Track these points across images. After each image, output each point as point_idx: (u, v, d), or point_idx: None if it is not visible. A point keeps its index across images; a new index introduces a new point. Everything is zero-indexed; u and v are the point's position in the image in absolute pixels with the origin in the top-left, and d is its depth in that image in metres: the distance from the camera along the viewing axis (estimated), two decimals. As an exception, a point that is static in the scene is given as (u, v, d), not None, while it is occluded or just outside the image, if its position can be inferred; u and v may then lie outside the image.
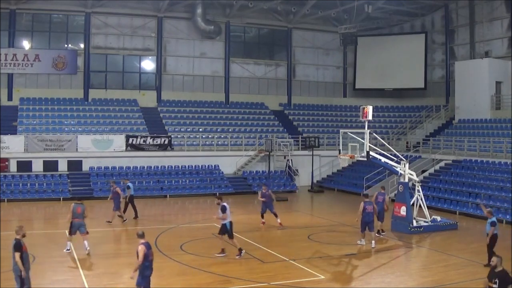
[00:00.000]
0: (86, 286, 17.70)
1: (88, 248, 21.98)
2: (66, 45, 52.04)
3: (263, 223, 28.98)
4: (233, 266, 20.42)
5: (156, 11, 52.36)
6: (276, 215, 28.63)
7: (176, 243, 23.94)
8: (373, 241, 24.01)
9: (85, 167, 43.64)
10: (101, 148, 44.20)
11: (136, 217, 31.37)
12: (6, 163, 41.67)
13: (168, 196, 41.70)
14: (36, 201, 38.31)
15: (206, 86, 55.05)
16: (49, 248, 23.21)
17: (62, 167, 43.07)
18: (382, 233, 26.69)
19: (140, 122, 49.31)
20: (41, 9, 49.98)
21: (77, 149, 43.78)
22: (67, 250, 22.33)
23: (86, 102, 50.63)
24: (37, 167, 42.41)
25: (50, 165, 42.71)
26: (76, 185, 41.34)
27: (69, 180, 41.78)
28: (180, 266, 20.32)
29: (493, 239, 20.66)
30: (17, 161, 42.06)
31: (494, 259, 13.66)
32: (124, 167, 44.03)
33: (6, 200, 37.89)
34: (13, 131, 44.23)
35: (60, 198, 39.25)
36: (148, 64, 54.38)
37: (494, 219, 21.01)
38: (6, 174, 41.19)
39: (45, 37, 51.54)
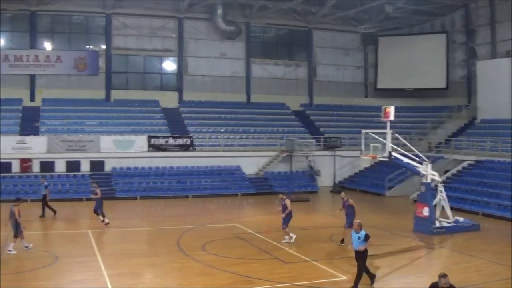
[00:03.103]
0: (109, 286, 17.76)
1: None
2: (87, 46, 52.45)
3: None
4: (254, 266, 20.38)
5: (176, 12, 52.53)
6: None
7: (198, 243, 23.95)
8: None
9: (107, 168, 43.92)
10: (123, 149, 44.43)
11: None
12: (29, 163, 42.07)
13: (189, 196, 41.75)
14: (58, 201, 38.44)
15: (227, 86, 55.11)
16: (70, 248, 23.32)
17: (85, 167, 43.39)
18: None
19: (162, 123, 49.45)
20: (61, 10, 50.45)
21: (99, 150, 44.02)
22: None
23: (107, 103, 51.00)
24: (60, 167, 42.78)
25: (73, 166, 43.05)
26: (98, 185, 41.34)
27: (91, 181, 41.92)
28: (202, 266, 20.31)
29: None
30: (40, 162, 42.44)
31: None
32: (146, 168, 44.20)
33: (29, 200, 38.20)
34: (35, 132, 44.69)
35: (82, 199, 39.45)
36: (169, 65, 54.59)
37: None
38: (28, 174, 41.62)
39: (66, 38, 52.04)
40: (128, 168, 43.87)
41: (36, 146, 42.68)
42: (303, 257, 21.74)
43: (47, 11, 50.18)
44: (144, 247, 24.25)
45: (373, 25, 52.29)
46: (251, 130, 50.66)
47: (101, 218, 29.42)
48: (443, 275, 11.79)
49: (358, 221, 17.61)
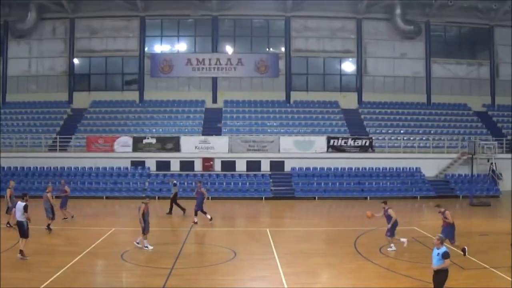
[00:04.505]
0: (285, 284, 17.50)
1: None
2: (267, 49, 53.23)
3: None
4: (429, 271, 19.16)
5: (355, 13, 51.60)
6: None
7: (375, 246, 23.05)
8: None
9: (287, 168, 44.13)
10: (302, 149, 44.43)
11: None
12: (211, 162, 43.45)
13: (368, 198, 40.78)
14: (239, 199, 39.32)
15: (407, 87, 53.01)
16: (250, 245, 23.40)
17: (265, 167, 43.95)
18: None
19: (341, 124, 48.84)
20: (242, 14, 51.77)
21: (279, 150, 44.43)
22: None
23: (288, 104, 51.36)
24: (241, 167, 43.69)
25: (253, 165, 43.79)
26: (278, 185, 41.90)
27: (271, 180, 42.45)
28: (378, 268, 19.44)
29: None
30: (222, 161, 43.74)
31: None
32: (325, 168, 43.82)
33: (210, 198, 39.39)
34: (217, 132, 46.20)
35: (262, 198, 39.93)
36: (349, 66, 53.84)
37: None
38: (211, 173, 42.96)
39: (246, 41, 53.25)
40: (308, 169, 43.74)
41: (218, 146, 44.06)
42: (482, 263, 20.04)
43: (229, 15, 51.86)
44: (321, 247, 23.78)
45: None
46: (431, 132, 48.39)
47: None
48: None
49: (439, 234, 15.48)
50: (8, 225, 26.22)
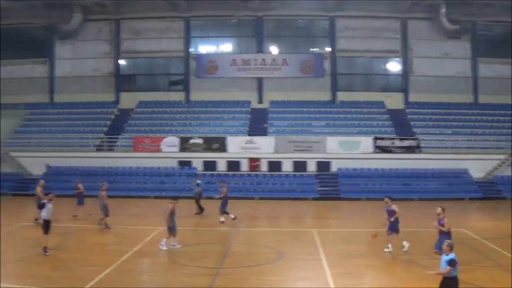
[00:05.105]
0: (330, 285, 17.34)
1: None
2: (311, 49, 53.05)
3: None
4: (477, 273, 18.65)
5: (398, 12, 50.79)
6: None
7: (421, 247, 22.36)
8: None
9: (333, 168, 43.88)
10: (348, 150, 44.16)
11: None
12: (257, 162, 43.48)
13: (415, 199, 40.12)
14: (285, 199, 39.24)
15: (453, 87, 51.47)
16: (295, 246, 23.27)
17: (311, 167, 43.78)
18: None
19: (387, 124, 48.32)
20: (285, 14, 51.70)
21: (325, 150, 44.19)
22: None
23: (333, 105, 51.05)
24: (287, 167, 43.63)
25: (299, 166, 43.68)
26: (324, 185, 41.74)
27: (317, 181, 42.28)
28: (424, 270, 18.99)
29: None
30: (268, 161, 43.79)
31: None
32: (372, 169, 43.42)
33: (257, 198, 39.55)
34: (263, 133, 46.19)
35: (308, 198, 39.78)
36: (394, 66, 53.15)
37: None
38: (257, 173, 42.99)
39: (291, 41, 53.25)
40: (354, 169, 43.41)
41: (264, 146, 44.19)
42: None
43: (272, 16, 51.87)
44: (367, 248, 23.44)
45: None
46: (479, 132, 47.39)
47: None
48: None
49: (448, 241, 14.67)
50: (37, 222, 26.72)
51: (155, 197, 40.20)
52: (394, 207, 21.78)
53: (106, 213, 27.05)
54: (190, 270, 19.19)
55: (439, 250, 18.24)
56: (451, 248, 14.18)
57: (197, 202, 32.75)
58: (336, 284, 17.26)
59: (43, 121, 50.99)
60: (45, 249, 21.06)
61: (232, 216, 29.25)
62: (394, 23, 51.75)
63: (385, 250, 21.72)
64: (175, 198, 23.29)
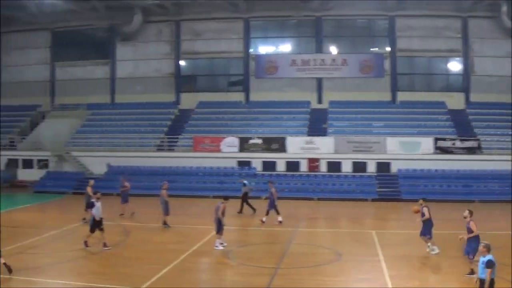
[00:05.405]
0: (389, 286, 17.18)
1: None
2: (371, 49, 52.57)
3: None
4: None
5: (459, 11, 49.64)
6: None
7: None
8: None
9: (393, 169, 43.32)
10: (409, 150, 43.48)
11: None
12: (316, 163, 43.35)
13: (475, 201, 39.12)
14: (344, 200, 38.99)
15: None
16: (355, 247, 23.12)
17: (371, 168, 43.38)
18: None
19: (449, 125, 47.40)
20: (344, 14, 51.36)
21: (385, 151, 43.74)
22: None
23: (393, 105, 50.45)
24: (346, 167, 43.37)
25: (359, 166, 43.34)
26: (384, 186, 41.23)
27: (377, 181, 41.84)
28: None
29: None
30: (327, 162, 43.59)
31: None
32: (432, 170, 42.68)
33: (316, 199, 39.45)
34: (323, 133, 46.05)
35: (367, 199, 39.45)
36: (455, 65, 52.04)
37: None
38: (316, 173, 42.89)
39: (350, 41, 52.87)
40: (414, 170, 42.78)
41: (324, 147, 44.00)
42: None
43: (331, 16, 51.58)
44: (426, 250, 23.19)
45: None
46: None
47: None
48: None
49: (485, 242, 14.10)
50: (84, 221, 27.39)
51: (214, 197, 40.43)
52: (425, 210, 21.62)
53: (166, 212, 27.43)
54: (248, 269, 19.33)
55: (469, 255, 18.06)
56: (488, 249, 13.82)
57: (243, 201, 32.90)
58: (395, 286, 17.09)
59: (104, 121, 52.26)
60: (85, 243, 21.92)
61: (265, 217, 29.26)
62: (455, 22, 50.61)
63: (432, 252, 21.58)
64: (226, 197, 23.46)
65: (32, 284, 17.14)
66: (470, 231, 18.24)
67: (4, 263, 17.55)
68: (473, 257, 17.82)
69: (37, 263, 19.68)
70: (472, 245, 17.82)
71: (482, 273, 13.68)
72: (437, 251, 21.56)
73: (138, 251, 22.03)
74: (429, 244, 21.79)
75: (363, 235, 26.16)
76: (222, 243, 22.46)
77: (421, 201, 22.18)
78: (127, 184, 32.16)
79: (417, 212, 22.03)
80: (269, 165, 44.26)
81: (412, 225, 28.73)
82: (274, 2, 49.54)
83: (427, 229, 21.74)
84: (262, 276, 18.08)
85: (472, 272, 17.66)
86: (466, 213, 18.85)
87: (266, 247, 23.21)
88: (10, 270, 17.49)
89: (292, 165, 43.84)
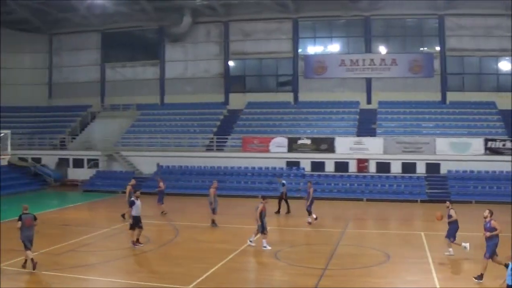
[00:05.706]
0: (438, 288, 17.15)
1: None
2: (421, 49, 52.02)
3: None
4: None
5: (510, 9, 48.91)
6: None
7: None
8: None
9: (443, 170, 42.81)
10: (458, 151, 42.90)
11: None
12: (366, 164, 43.18)
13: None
14: (393, 201, 38.75)
15: None
16: (403, 249, 23.05)
17: (420, 169, 42.94)
18: None
19: (499, 125, 46.51)
20: (393, 14, 50.94)
21: (435, 152, 43.29)
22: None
23: (443, 105, 49.82)
24: (395, 168, 43.06)
25: (408, 167, 42.95)
26: (433, 187, 40.79)
27: (426, 183, 41.43)
28: None
29: None
30: (376, 162, 43.37)
31: None
32: (482, 171, 42.01)
33: (365, 199, 39.33)
34: (372, 133, 45.86)
35: (417, 200, 39.13)
36: (506, 65, 51.01)
37: None
38: (365, 174, 42.74)
39: (399, 41, 52.40)
40: (464, 171, 42.23)
41: (373, 147, 43.76)
42: None
43: (380, 15, 51.26)
44: (477, 253, 22.84)
45: None
46: None
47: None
48: None
49: None
50: (123, 218, 28.32)
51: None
52: (452, 212, 21.54)
53: (213, 211, 27.77)
54: (296, 270, 19.50)
55: (488, 257, 18.19)
56: None
57: (281, 201, 33.12)
58: (443, 288, 17.04)
59: (154, 122, 53.14)
60: (133, 242, 22.54)
61: (314, 216, 29.39)
62: (506, 20, 49.53)
63: (445, 253, 21.79)
64: (264, 197, 23.70)
65: (83, 282, 17.68)
66: (491, 230, 18.55)
67: (32, 259, 18.14)
68: (490, 257, 18.34)
69: (88, 261, 20.32)
70: (491, 245, 18.35)
71: (509, 280, 13.75)
72: (452, 253, 21.68)
73: (187, 249, 22.46)
74: (450, 248, 21.76)
75: (412, 237, 26.04)
76: (251, 241, 22.98)
77: (448, 204, 22.34)
78: (161, 184, 32.95)
79: (440, 218, 22.10)
80: (317, 166, 44.27)
81: (461, 227, 28.42)
82: (322, 2, 49.55)
83: (452, 231, 21.79)
84: (310, 276, 18.23)
85: (481, 276, 17.87)
86: (487, 213, 19.12)
87: (314, 248, 23.33)
88: (34, 267, 18.13)
89: (341, 166, 43.76)
